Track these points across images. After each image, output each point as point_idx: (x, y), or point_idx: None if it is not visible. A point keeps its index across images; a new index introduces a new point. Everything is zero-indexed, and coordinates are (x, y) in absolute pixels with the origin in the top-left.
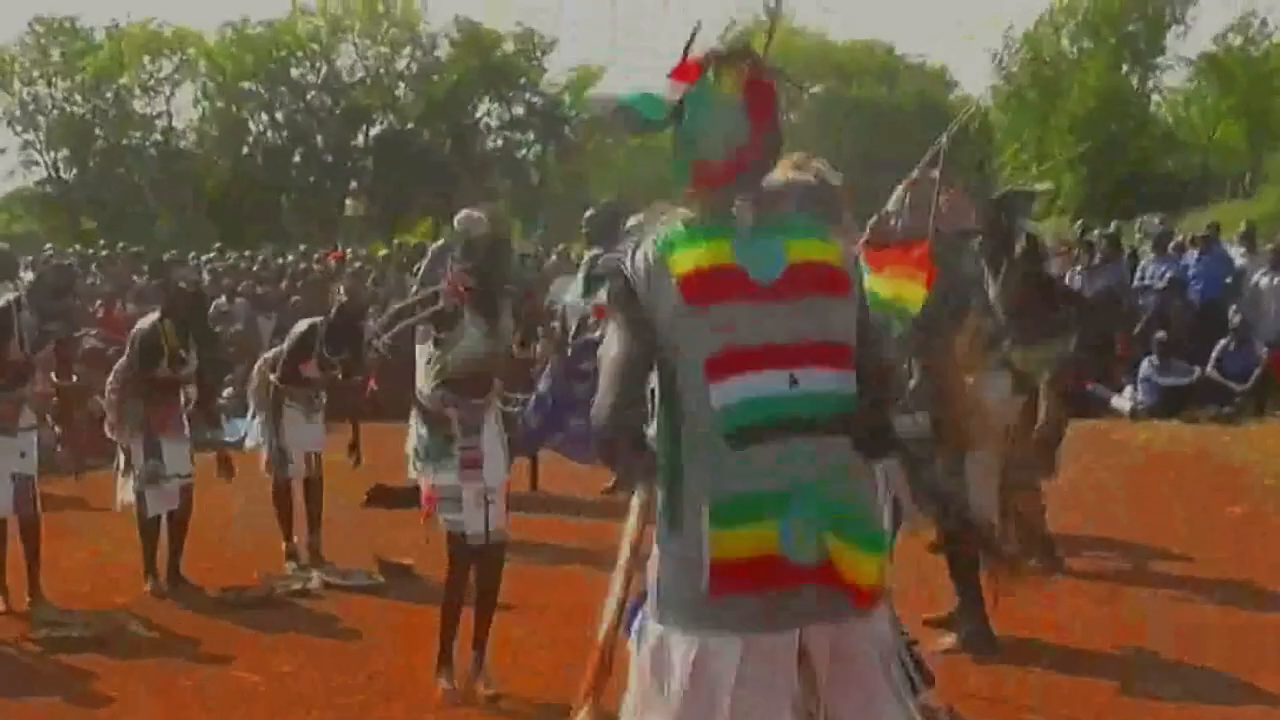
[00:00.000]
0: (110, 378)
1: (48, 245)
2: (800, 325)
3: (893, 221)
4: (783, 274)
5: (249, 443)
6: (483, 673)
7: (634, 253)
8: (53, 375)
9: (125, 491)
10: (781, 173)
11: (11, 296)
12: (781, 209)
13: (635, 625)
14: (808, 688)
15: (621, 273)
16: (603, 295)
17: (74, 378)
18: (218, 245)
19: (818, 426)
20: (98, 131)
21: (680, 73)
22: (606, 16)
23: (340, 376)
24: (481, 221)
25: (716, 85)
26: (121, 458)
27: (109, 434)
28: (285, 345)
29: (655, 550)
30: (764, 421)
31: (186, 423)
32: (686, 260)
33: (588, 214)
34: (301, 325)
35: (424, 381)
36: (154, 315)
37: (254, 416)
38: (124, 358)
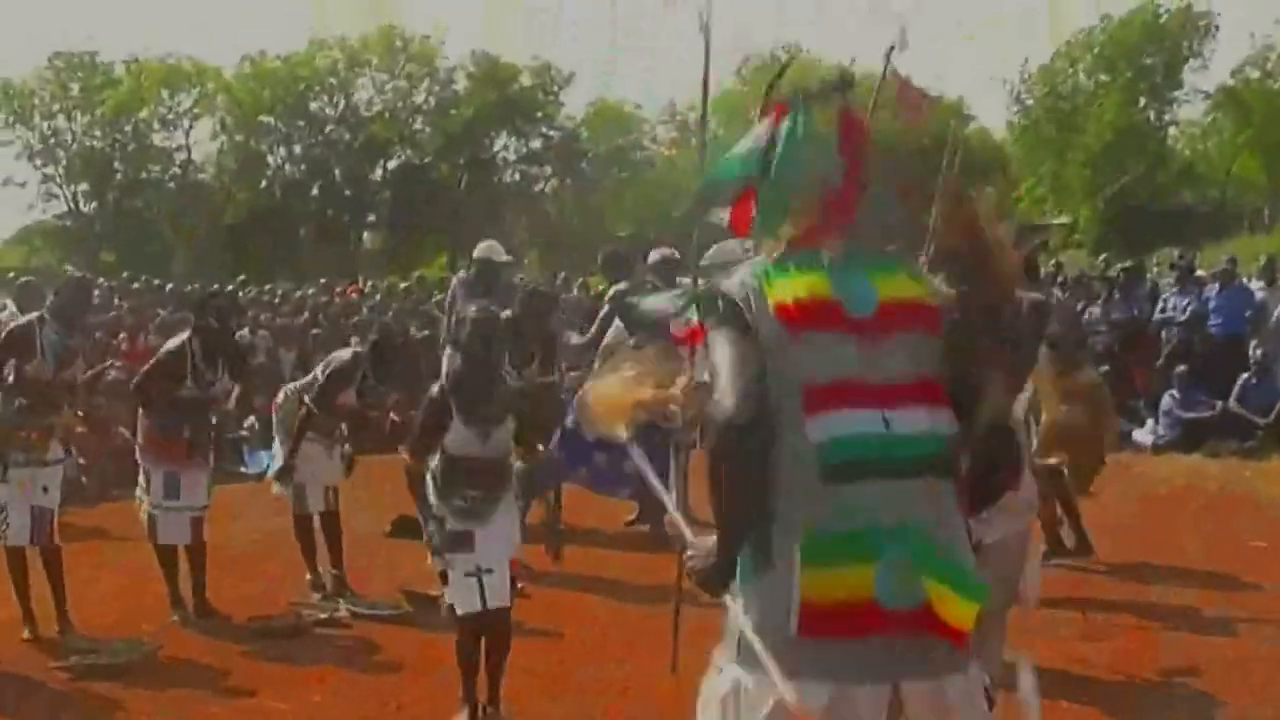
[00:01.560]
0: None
1: (67, 267)
2: (894, 364)
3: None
4: (876, 311)
5: (271, 473)
6: None
7: (730, 280)
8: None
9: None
10: None
11: (34, 315)
12: (869, 245)
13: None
14: None
15: (727, 294)
16: (693, 317)
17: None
18: (241, 278)
19: (915, 467)
20: (117, 165)
21: (771, 112)
22: (606, 16)
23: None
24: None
25: (809, 122)
26: (142, 479)
27: (138, 456)
28: (324, 372)
29: (738, 591)
30: (860, 460)
31: (211, 455)
32: (784, 290)
33: (602, 254)
34: (344, 354)
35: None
36: (183, 335)
37: (282, 445)
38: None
